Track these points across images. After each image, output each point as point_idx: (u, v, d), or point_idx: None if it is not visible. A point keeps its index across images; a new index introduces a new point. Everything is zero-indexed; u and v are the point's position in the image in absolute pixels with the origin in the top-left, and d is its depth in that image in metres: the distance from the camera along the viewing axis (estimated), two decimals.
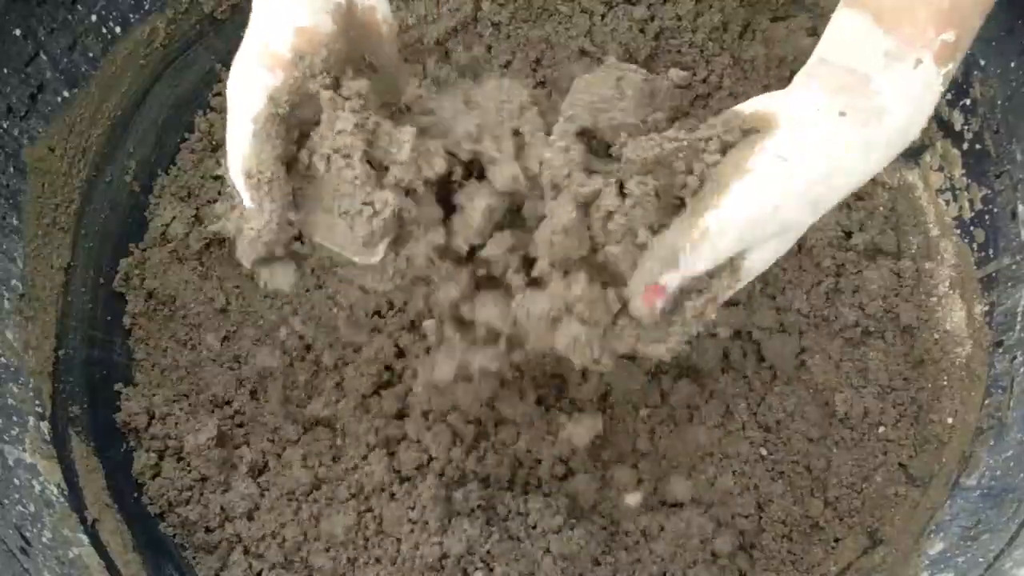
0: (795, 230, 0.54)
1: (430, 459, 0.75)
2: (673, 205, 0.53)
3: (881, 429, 0.79)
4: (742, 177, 0.51)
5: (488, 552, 0.72)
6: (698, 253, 0.51)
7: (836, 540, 0.77)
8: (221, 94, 0.86)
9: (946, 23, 0.52)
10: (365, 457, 0.76)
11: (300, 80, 0.50)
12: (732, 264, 0.52)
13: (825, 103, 0.52)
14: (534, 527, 0.73)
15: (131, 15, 0.78)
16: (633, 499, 0.74)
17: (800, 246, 0.82)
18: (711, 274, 0.52)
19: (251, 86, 0.51)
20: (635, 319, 0.53)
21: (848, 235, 0.83)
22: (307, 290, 0.82)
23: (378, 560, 0.73)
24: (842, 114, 0.52)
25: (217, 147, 0.85)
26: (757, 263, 0.54)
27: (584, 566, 0.73)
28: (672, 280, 0.52)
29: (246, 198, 0.52)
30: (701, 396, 0.79)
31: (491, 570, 0.72)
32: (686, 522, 0.74)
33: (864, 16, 0.53)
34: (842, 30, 0.54)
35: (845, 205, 0.83)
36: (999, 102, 0.74)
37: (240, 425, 0.80)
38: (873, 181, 0.83)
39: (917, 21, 0.53)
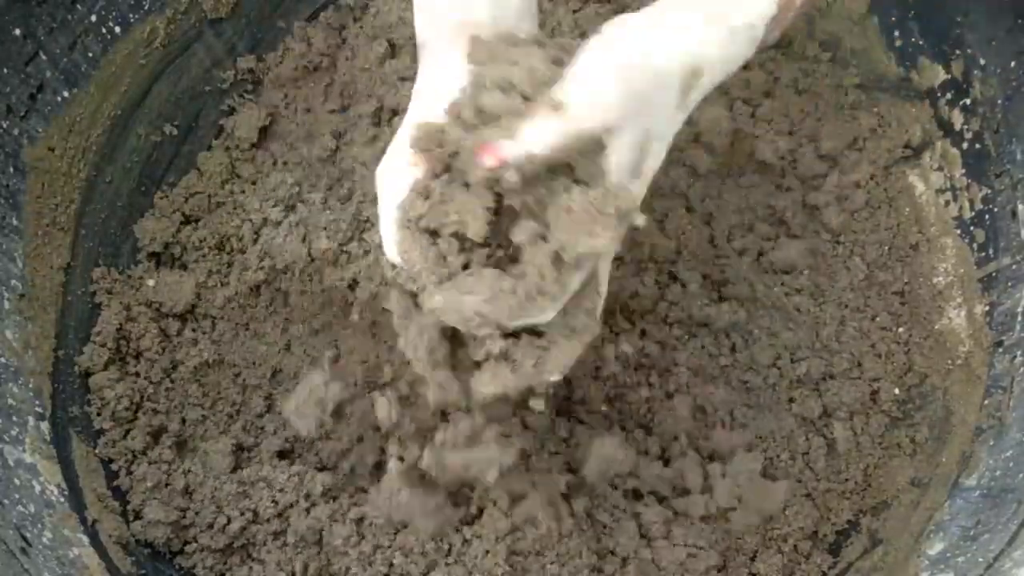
0: (648, 116, 0.54)
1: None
2: None
3: (878, 426, 0.79)
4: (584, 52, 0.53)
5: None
6: (537, 128, 0.50)
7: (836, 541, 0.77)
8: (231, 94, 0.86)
9: None
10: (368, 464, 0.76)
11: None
12: (592, 153, 0.52)
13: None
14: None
15: (131, 15, 0.78)
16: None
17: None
18: (571, 160, 0.51)
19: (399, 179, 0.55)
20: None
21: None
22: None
23: (390, 564, 0.73)
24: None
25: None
26: (622, 158, 0.53)
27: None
28: (511, 148, 0.50)
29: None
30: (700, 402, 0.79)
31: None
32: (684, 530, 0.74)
33: None
34: None
35: (845, 210, 0.83)
36: (999, 102, 0.74)
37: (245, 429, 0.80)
38: (876, 183, 0.84)
39: None
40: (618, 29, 0.54)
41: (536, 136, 0.50)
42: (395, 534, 0.73)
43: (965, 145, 0.78)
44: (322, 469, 0.77)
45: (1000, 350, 0.74)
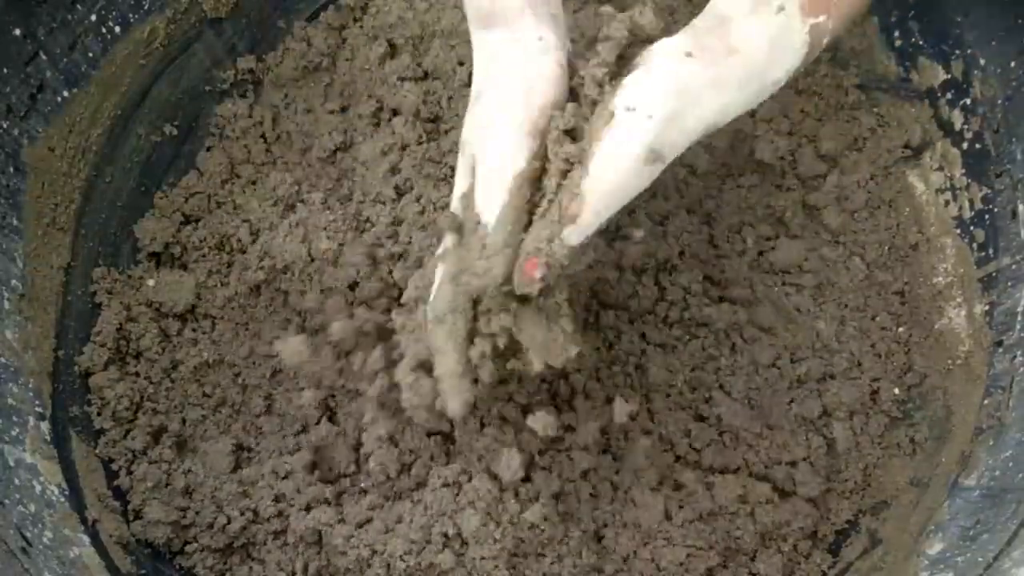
0: (656, 169, 0.55)
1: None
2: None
3: (878, 426, 0.79)
4: (601, 139, 0.53)
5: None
6: (571, 230, 0.53)
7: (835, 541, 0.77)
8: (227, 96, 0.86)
9: None
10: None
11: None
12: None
13: (674, 47, 0.55)
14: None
15: (131, 15, 0.78)
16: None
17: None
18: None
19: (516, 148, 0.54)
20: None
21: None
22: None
23: (388, 566, 0.73)
24: (688, 54, 0.54)
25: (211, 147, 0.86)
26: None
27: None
28: (550, 254, 0.53)
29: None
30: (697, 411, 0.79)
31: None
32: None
33: None
34: None
35: (845, 210, 0.83)
36: (999, 101, 0.74)
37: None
38: (876, 183, 0.84)
39: None
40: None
41: (573, 234, 0.53)
42: (394, 535, 0.73)
43: (965, 145, 0.78)
44: (322, 468, 0.77)
45: (1000, 350, 0.74)
